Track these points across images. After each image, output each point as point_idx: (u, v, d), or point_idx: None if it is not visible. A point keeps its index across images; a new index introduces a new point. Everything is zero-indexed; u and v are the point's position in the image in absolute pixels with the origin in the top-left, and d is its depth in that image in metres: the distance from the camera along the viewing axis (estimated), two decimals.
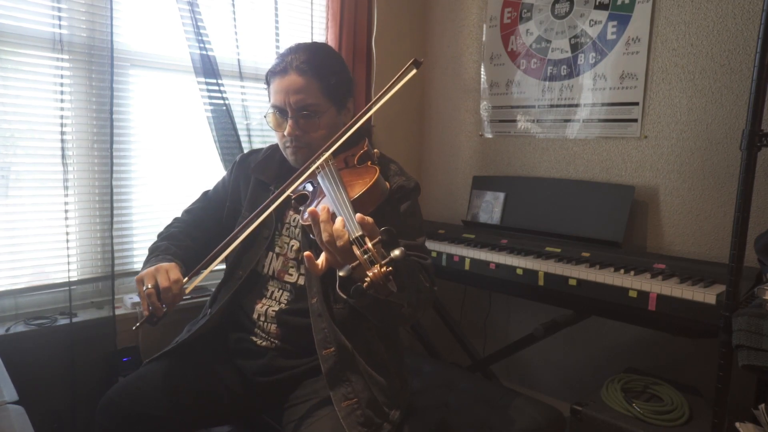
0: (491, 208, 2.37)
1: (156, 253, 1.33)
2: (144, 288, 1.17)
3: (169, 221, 1.53)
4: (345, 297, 1.00)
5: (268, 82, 1.35)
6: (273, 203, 1.24)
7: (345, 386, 1.21)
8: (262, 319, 1.34)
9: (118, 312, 1.83)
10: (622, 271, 1.74)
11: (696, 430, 1.59)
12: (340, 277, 0.95)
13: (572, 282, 1.77)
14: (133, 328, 1.21)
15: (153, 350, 1.47)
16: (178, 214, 1.55)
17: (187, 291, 1.21)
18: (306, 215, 1.04)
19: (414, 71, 1.22)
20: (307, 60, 1.28)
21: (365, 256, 0.90)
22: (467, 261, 2.04)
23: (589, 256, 1.89)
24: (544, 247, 1.99)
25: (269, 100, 1.35)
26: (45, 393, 1.70)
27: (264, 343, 1.34)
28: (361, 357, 1.26)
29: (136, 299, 1.90)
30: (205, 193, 1.58)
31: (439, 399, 1.63)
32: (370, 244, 0.91)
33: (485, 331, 2.64)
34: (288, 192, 1.25)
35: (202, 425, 1.39)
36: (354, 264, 0.92)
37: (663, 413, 1.62)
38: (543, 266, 1.84)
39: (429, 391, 1.68)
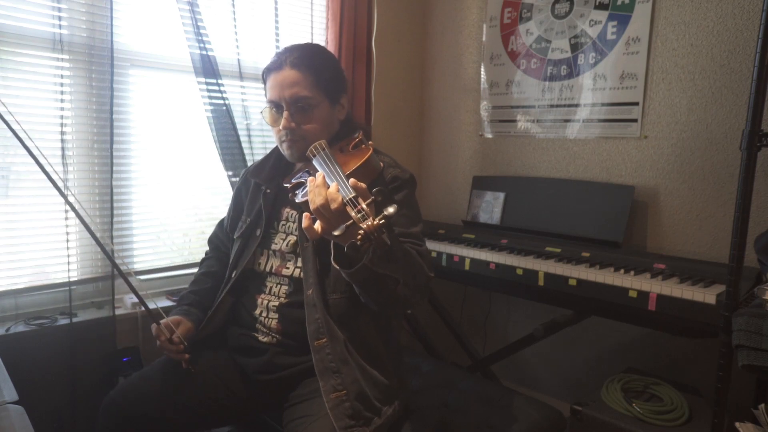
0: (491, 208, 2.37)
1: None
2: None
3: (169, 221, 1.55)
4: (339, 267, 1.03)
5: (264, 80, 1.38)
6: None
7: (334, 378, 1.21)
8: (264, 314, 1.35)
9: (118, 312, 1.83)
10: (622, 271, 1.74)
11: (696, 430, 1.58)
12: (334, 236, 0.98)
13: (572, 282, 1.77)
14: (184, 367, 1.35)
15: (153, 350, 1.47)
16: (180, 217, 1.58)
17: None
18: (305, 187, 1.07)
19: None
20: (301, 56, 1.32)
21: (359, 215, 0.93)
22: (467, 261, 2.04)
23: (589, 256, 1.89)
24: (544, 247, 1.99)
25: (266, 97, 1.37)
26: (45, 393, 1.70)
27: (265, 339, 1.34)
28: (355, 349, 1.26)
29: (136, 299, 1.90)
30: (221, 222, 1.65)
31: (439, 399, 1.63)
32: (363, 204, 0.95)
33: (485, 331, 2.64)
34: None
35: (203, 426, 1.40)
36: (348, 223, 0.94)
37: (663, 413, 1.62)
38: (543, 266, 1.84)
39: (428, 391, 1.68)
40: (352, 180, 0.99)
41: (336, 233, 0.95)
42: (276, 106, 1.34)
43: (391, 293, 1.11)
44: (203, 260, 1.64)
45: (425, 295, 1.23)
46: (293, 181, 1.27)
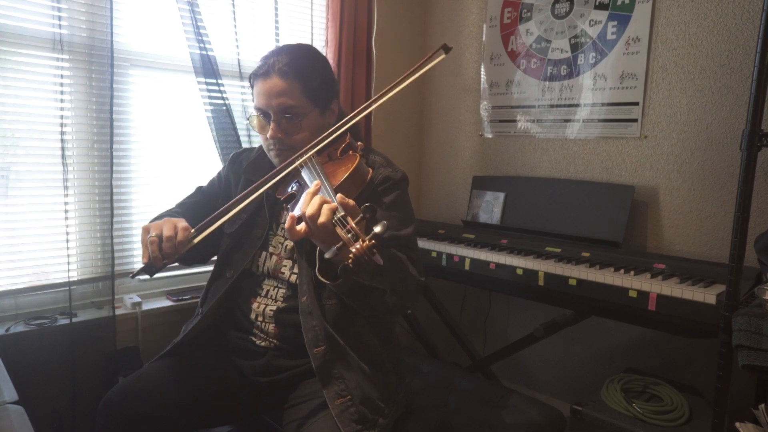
0: (491, 208, 2.37)
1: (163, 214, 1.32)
2: (148, 236, 1.16)
3: None
4: (326, 282, 1.02)
5: (251, 85, 1.34)
6: (265, 184, 1.23)
7: (338, 384, 1.21)
8: (260, 318, 1.34)
9: (118, 312, 1.83)
10: (622, 271, 1.74)
11: (696, 430, 1.58)
12: (325, 260, 0.97)
13: (572, 282, 1.77)
14: (130, 276, 1.21)
15: (153, 350, 1.47)
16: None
17: (195, 241, 1.20)
18: (298, 199, 1.07)
19: (443, 56, 1.25)
20: (290, 62, 1.27)
21: (349, 235, 0.92)
22: (467, 261, 2.04)
23: (589, 256, 1.89)
24: (544, 247, 1.99)
25: (253, 102, 1.34)
26: (45, 393, 1.71)
27: (263, 343, 1.34)
28: (354, 353, 1.26)
29: (136, 299, 1.90)
30: (199, 188, 1.57)
31: (439, 399, 1.63)
32: (353, 223, 0.93)
33: (485, 331, 2.64)
34: (272, 181, 1.23)
35: (203, 426, 1.40)
36: (339, 245, 0.93)
37: (663, 413, 1.62)
38: (543, 266, 1.84)
39: (429, 391, 1.68)
40: (339, 196, 0.97)
41: (327, 256, 0.94)
42: (263, 113, 1.30)
43: (378, 302, 1.10)
44: (171, 210, 1.46)
45: (416, 299, 1.22)
46: (287, 191, 1.25)
